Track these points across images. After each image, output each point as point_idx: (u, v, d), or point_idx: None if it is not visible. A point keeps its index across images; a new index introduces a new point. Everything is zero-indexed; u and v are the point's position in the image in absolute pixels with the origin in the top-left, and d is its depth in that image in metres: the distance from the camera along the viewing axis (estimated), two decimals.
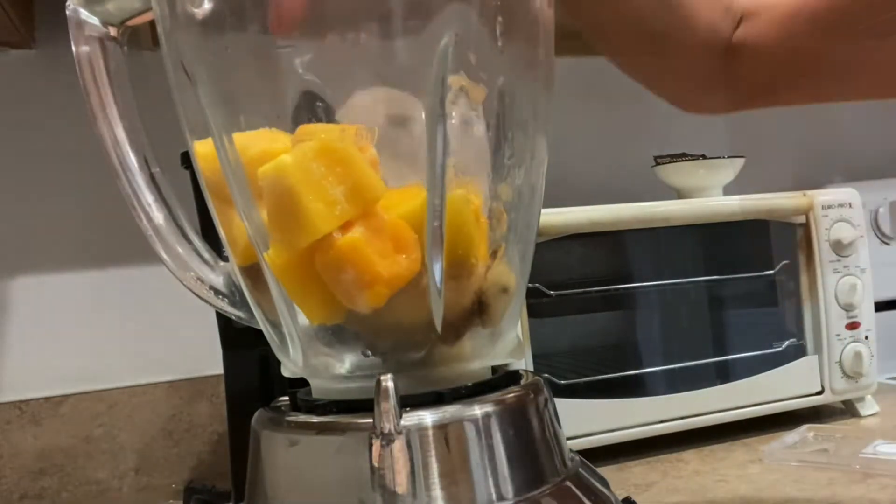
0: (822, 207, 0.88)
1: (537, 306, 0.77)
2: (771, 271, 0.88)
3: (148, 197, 0.39)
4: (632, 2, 0.48)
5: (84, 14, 0.38)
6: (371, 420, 0.33)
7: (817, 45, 0.50)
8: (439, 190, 0.34)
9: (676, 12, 0.49)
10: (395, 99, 0.36)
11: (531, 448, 0.37)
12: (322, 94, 0.35)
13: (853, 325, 0.88)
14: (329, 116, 0.35)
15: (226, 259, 0.41)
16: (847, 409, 0.90)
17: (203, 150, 0.37)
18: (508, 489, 0.35)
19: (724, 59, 0.52)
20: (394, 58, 0.34)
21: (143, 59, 0.71)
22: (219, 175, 0.36)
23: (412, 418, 0.34)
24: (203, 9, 0.34)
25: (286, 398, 0.42)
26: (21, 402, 0.85)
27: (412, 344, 0.37)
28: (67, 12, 0.38)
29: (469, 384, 0.37)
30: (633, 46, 0.51)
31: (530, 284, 0.75)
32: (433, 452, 0.34)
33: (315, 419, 0.36)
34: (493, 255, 0.38)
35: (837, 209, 0.88)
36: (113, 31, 0.39)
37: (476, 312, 0.38)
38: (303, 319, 0.38)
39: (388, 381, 0.33)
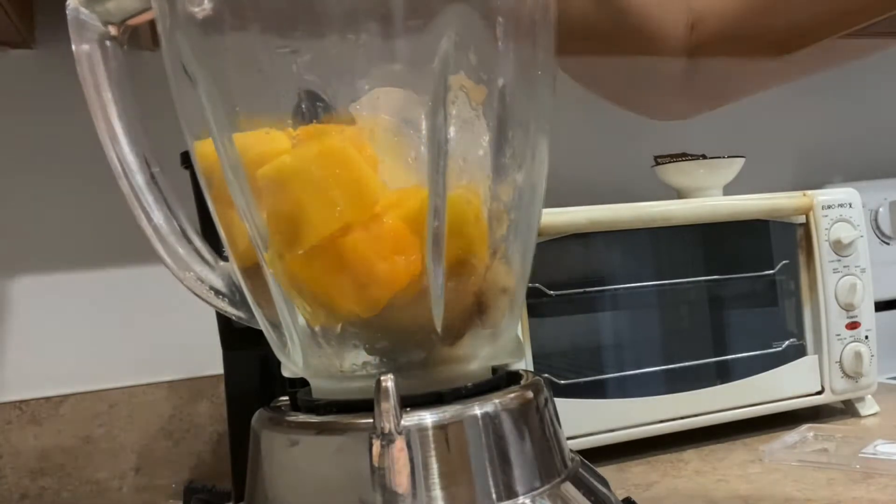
0: (822, 207, 0.88)
1: (537, 306, 0.77)
2: (771, 271, 0.88)
3: (148, 197, 0.39)
4: (573, 7, 0.48)
5: (84, 13, 0.38)
6: (371, 420, 0.33)
7: (760, 45, 0.51)
8: (440, 190, 0.34)
9: (624, 20, 0.50)
10: (397, 99, 0.36)
11: (531, 448, 0.37)
12: (322, 94, 0.35)
13: (853, 325, 0.88)
14: (329, 117, 0.35)
15: (226, 259, 0.41)
16: (847, 409, 0.90)
17: (203, 150, 0.37)
18: (509, 489, 0.35)
19: (683, 66, 0.54)
20: (394, 58, 0.34)
21: (142, 59, 0.71)
22: (219, 175, 0.36)
23: (412, 418, 0.34)
24: (203, 8, 0.33)
25: (286, 398, 0.42)
26: (21, 402, 0.85)
27: (412, 344, 0.37)
28: (67, 11, 0.38)
29: (469, 384, 0.37)
30: (584, 59, 0.52)
31: (530, 284, 0.75)
32: (433, 452, 0.34)
33: (315, 419, 0.36)
34: (493, 255, 0.38)
35: (837, 209, 0.88)
36: (113, 31, 0.38)
37: (476, 313, 0.38)
38: (303, 319, 0.38)
39: (388, 382, 0.33)
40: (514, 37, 0.36)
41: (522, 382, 0.40)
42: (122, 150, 0.39)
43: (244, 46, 0.35)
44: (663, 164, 1.01)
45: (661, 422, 0.80)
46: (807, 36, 0.49)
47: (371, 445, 0.33)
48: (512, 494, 0.34)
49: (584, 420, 0.76)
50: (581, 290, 0.79)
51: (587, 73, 0.54)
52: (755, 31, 0.50)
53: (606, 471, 0.55)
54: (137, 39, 0.84)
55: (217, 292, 0.41)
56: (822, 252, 0.87)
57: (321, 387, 0.39)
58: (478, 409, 0.35)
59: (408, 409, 0.34)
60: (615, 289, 0.81)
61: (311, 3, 0.33)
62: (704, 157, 1.00)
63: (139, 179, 0.39)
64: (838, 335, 0.87)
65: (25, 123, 0.87)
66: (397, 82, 0.34)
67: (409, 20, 0.34)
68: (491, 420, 0.35)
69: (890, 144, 1.36)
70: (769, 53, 0.51)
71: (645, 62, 0.52)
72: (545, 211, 0.43)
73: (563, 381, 0.77)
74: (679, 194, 1.02)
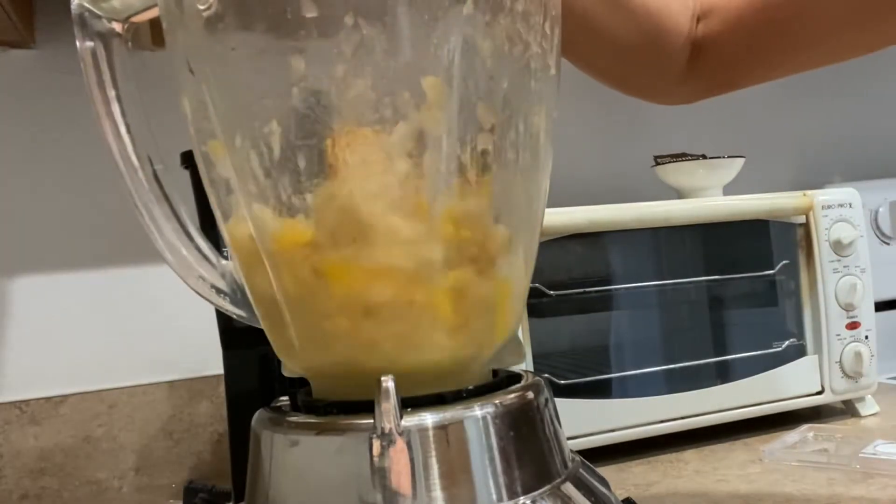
0: (822, 207, 0.88)
1: (537, 306, 0.77)
2: (771, 271, 0.88)
3: (150, 195, 0.39)
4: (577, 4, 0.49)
5: (89, 10, 0.38)
6: (371, 420, 0.33)
7: (767, 39, 0.52)
8: (445, 198, 0.34)
9: (620, 12, 0.51)
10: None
11: (532, 448, 0.37)
12: (327, 94, 0.35)
13: (853, 325, 0.88)
14: (331, 117, 0.35)
15: (227, 257, 0.41)
16: (847, 409, 0.90)
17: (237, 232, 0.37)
18: (509, 490, 0.35)
19: (689, 55, 0.54)
20: (399, 61, 0.34)
21: (143, 58, 0.71)
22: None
23: (413, 419, 0.34)
24: (208, 4, 0.33)
25: (286, 398, 0.42)
26: (21, 402, 0.85)
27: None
28: (72, 8, 0.37)
29: (470, 386, 0.37)
30: (588, 48, 0.53)
31: (530, 284, 0.75)
32: (434, 453, 0.34)
33: (315, 419, 0.36)
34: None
35: (837, 209, 0.88)
36: (118, 28, 0.38)
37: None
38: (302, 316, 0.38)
39: (388, 382, 0.33)
40: (520, 38, 0.36)
41: (522, 383, 0.40)
42: (126, 148, 0.39)
43: (250, 46, 0.34)
44: (663, 164, 1.01)
45: (662, 422, 0.80)
46: (812, 30, 0.49)
47: (371, 446, 0.33)
48: (512, 495, 0.34)
49: (584, 420, 0.76)
50: (581, 290, 0.79)
51: (588, 57, 0.54)
52: (760, 24, 0.51)
53: (606, 471, 0.55)
54: (138, 39, 0.84)
55: (219, 291, 0.41)
56: (822, 252, 0.87)
57: (321, 387, 0.39)
58: (478, 409, 0.35)
59: (408, 409, 0.34)
60: (615, 289, 0.81)
61: (316, 4, 0.33)
62: (704, 157, 1.00)
63: (142, 177, 0.39)
64: (838, 335, 0.87)
65: (25, 123, 0.87)
66: (402, 86, 0.34)
67: (414, 23, 0.33)
68: (491, 421, 0.35)
69: (890, 144, 1.36)
70: (774, 46, 0.51)
71: (649, 49, 0.53)
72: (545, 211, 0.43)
73: (563, 381, 0.77)
74: (679, 194, 1.02)
